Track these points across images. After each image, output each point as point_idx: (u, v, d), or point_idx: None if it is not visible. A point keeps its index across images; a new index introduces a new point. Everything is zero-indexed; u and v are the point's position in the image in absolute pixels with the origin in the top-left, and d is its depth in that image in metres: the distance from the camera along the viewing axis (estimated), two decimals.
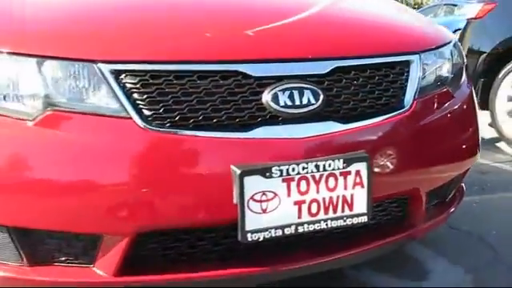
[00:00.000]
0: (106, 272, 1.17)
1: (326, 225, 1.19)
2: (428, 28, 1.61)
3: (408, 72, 1.36)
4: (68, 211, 1.11)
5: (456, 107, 1.50)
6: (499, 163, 2.98)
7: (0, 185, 1.11)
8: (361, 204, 1.21)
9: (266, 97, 1.16)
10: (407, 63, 1.37)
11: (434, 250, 1.87)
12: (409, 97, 1.35)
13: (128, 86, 1.11)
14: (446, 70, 1.51)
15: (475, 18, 3.69)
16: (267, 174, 1.12)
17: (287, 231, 1.16)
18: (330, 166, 1.17)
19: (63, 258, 1.20)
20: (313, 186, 1.16)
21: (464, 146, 1.53)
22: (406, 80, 1.35)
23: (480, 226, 2.05)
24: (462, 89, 1.58)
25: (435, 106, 1.43)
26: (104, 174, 1.10)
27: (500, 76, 3.46)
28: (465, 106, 1.55)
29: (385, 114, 1.30)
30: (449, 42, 1.57)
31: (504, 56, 3.44)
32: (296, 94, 1.18)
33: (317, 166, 1.16)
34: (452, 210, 1.64)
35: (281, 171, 1.13)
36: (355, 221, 1.22)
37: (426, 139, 1.39)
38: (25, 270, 1.20)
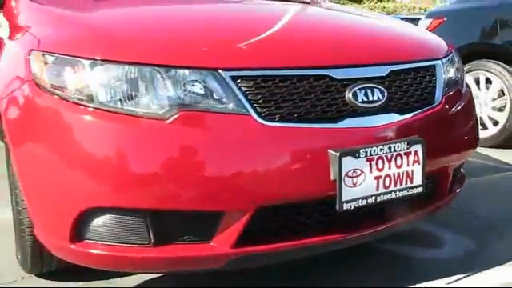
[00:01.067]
0: (225, 245, 1.40)
1: (396, 195, 1.50)
2: (440, 38, 1.99)
3: (436, 74, 1.72)
4: (200, 193, 1.33)
5: (465, 103, 1.87)
6: None
7: (142, 172, 1.31)
8: (418, 178, 1.54)
9: (348, 95, 1.46)
10: (434, 67, 1.73)
11: (438, 224, 2.24)
12: (438, 94, 1.70)
13: (244, 88, 1.36)
14: (454, 72, 1.88)
15: None
16: (357, 154, 1.41)
17: (369, 201, 1.46)
18: (398, 147, 1.48)
19: (184, 237, 1.41)
20: (386, 163, 1.47)
21: (472, 134, 1.90)
22: (436, 80, 1.71)
23: (469, 204, 2.45)
24: (465, 89, 1.96)
25: (454, 102, 1.79)
26: (231, 159, 1.34)
27: None
28: (470, 103, 1.93)
29: (425, 107, 1.64)
30: (453, 51, 1.95)
31: None
32: (369, 92, 1.49)
33: (389, 148, 1.47)
34: (459, 189, 1.99)
35: (366, 152, 1.43)
36: (414, 191, 1.54)
37: (451, 128, 1.75)
38: (150, 250, 1.40)
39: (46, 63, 1.46)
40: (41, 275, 1.84)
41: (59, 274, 1.82)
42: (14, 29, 1.93)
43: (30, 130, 1.46)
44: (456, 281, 1.78)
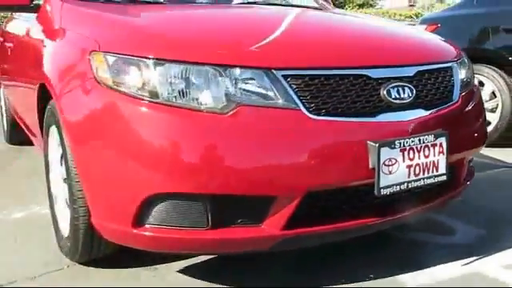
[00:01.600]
0: (274, 228, 1.54)
1: (424, 182, 1.67)
2: (451, 42, 2.17)
3: (453, 75, 1.90)
4: (256, 179, 1.48)
5: (476, 102, 2.05)
6: None
7: (204, 161, 1.45)
8: (442, 167, 1.71)
9: (383, 92, 1.63)
10: (452, 68, 1.91)
11: (448, 215, 2.42)
12: (456, 93, 1.89)
13: (294, 86, 1.52)
14: (466, 74, 2.06)
15: None
16: (392, 145, 1.58)
17: (402, 187, 1.62)
18: (426, 139, 1.65)
19: (238, 220, 1.55)
20: (416, 154, 1.64)
21: (482, 130, 2.08)
22: (453, 80, 1.89)
23: (472, 196, 2.63)
24: (476, 89, 2.15)
25: (468, 100, 1.97)
26: (283, 149, 1.49)
27: None
28: (480, 102, 2.12)
29: (446, 104, 1.82)
30: (462, 53, 2.13)
31: None
32: (400, 90, 1.66)
33: (419, 140, 1.64)
34: (469, 181, 2.16)
35: (399, 143, 1.59)
36: (439, 179, 1.71)
37: (467, 123, 1.94)
38: (207, 233, 1.54)
39: (107, 63, 1.59)
40: (84, 263, 1.96)
41: (100, 262, 1.94)
42: (57, 32, 2.05)
43: (94, 125, 1.59)
44: (471, 262, 1.96)
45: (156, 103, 1.49)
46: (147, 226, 1.55)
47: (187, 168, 1.46)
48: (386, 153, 1.56)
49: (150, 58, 1.52)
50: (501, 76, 3.91)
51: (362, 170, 1.57)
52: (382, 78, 1.64)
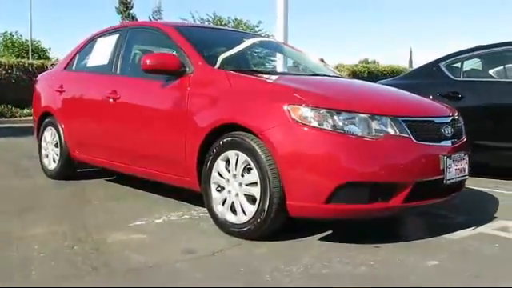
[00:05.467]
0: (397, 202, 2.85)
1: (460, 178, 3.11)
2: None
3: (460, 122, 3.42)
4: (390, 172, 2.79)
5: (467, 139, 3.58)
6: None
7: (371, 162, 2.75)
8: (466, 171, 3.19)
9: (442, 130, 3.07)
10: (459, 118, 3.42)
11: (447, 210, 3.86)
12: (463, 132, 3.41)
13: (406, 125, 2.89)
14: (462, 122, 3.58)
15: None
16: (450, 157, 3.00)
17: (453, 180, 3.04)
18: (461, 155, 3.11)
19: (379, 198, 2.82)
20: (458, 162, 3.09)
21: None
22: (462, 125, 3.41)
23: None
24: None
25: (466, 138, 3.48)
26: (403, 158, 2.84)
27: None
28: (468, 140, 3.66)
29: (461, 138, 3.31)
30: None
31: None
32: (447, 129, 3.11)
33: (459, 155, 3.10)
34: (464, 186, 3.64)
35: (453, 157, 3.03)
36: (465, 177, 3.18)
37: (467, 149, 3.43)
38: (364, 206, 2.80)
39: (302, 111, 2.82)
40: (252, 239, 3.02)
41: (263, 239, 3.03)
42: (231, 91, 3.22)
43: (299, 146, 2.79)
44: (475, 228, 3.37)
45: (338, 132, 2.76)
46: (331, 203, 2.76)
47: (362, 167, 2.74)
48: (448, 161, 2.98)
49: (333, 109, 2.79)
50: None
51: (438, 170, 2.96)
52: (439, 122, 3.11)
